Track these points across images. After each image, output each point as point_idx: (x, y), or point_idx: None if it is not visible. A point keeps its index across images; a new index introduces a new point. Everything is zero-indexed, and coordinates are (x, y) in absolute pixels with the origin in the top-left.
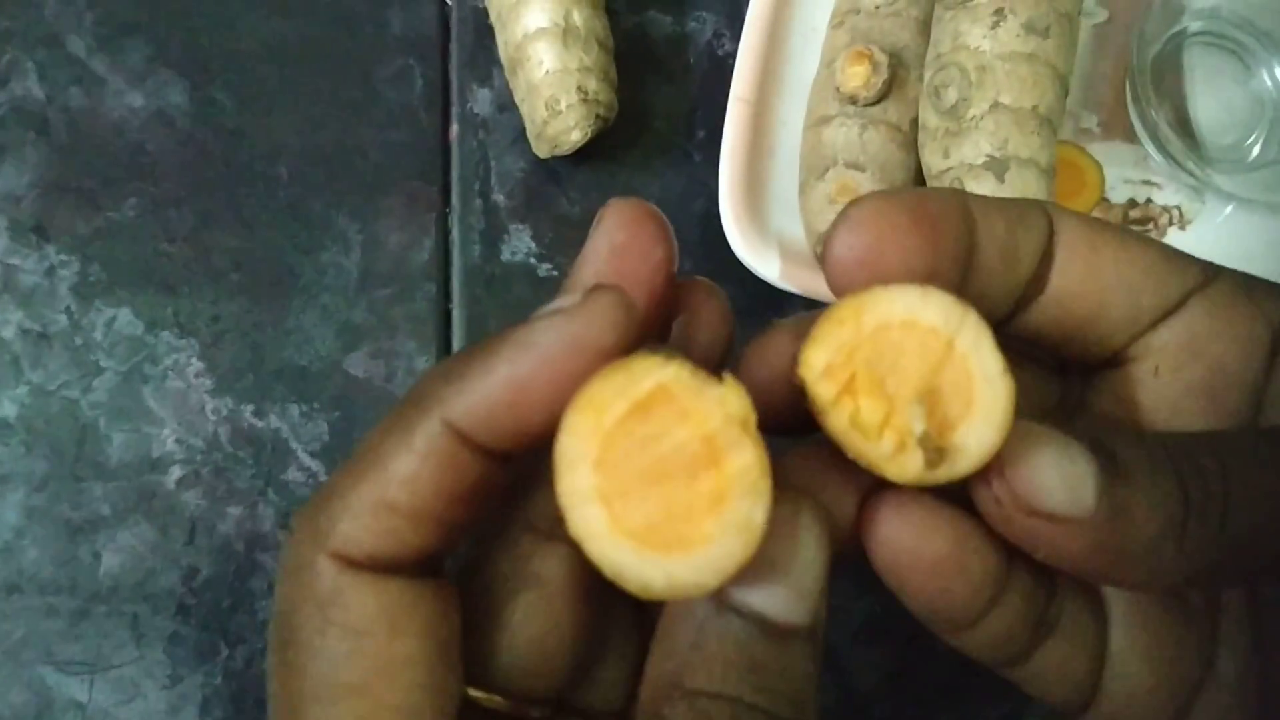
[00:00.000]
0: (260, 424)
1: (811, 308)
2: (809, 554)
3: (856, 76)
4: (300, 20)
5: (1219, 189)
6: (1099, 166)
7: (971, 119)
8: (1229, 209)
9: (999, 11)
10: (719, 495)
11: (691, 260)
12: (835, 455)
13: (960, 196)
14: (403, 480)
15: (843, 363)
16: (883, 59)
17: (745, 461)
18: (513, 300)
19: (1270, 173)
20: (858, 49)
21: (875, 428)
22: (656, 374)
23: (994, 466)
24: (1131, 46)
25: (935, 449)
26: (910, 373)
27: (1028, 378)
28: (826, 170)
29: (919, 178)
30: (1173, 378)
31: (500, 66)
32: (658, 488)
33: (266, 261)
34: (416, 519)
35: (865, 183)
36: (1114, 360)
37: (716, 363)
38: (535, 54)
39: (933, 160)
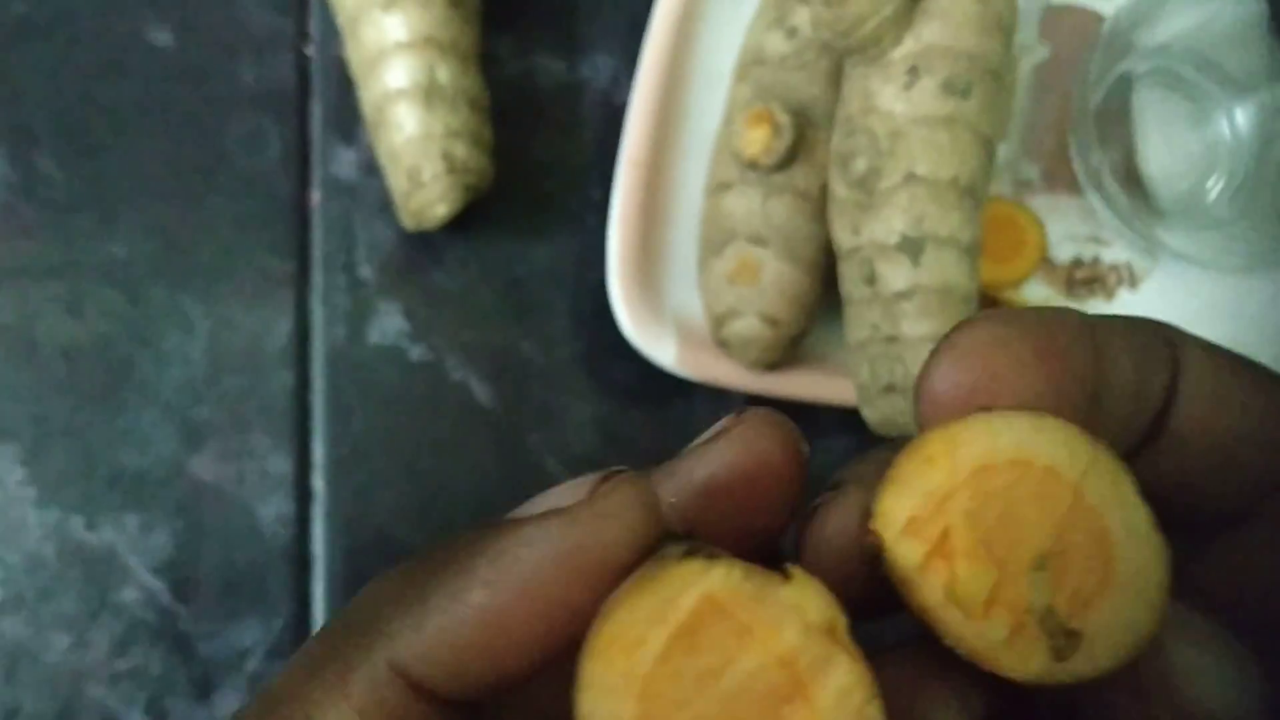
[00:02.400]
0: (92, 538)
1: (717, 396)
2: None
3: (755, 142)
4: (138, 77)
5: (1170, 249)
6: (1040, 224)
7: (883, 192)
8: (1185, 265)
9: (913, 70)
10: None
11: (585, 339)
12: (942, 659)
13: (1087, 323)
14: None
15: (932, 514)
16: (785, 120)
17: (842, 683)
18: (382, 388)
19: (1224, 233)
20: (756, 110)
21: (981, 602)
22: (698, 583)
23: (1147, 672)
24: (1074, 89)
25: (1064, 632)
26: (1025, 529)
27: None
28: (725, 245)
29: (829, 251)
30: None
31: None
32: None
33: (98, 352)
34: None
35: (768, 259)
36: (1234, 521)
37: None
38: (395, 117)
39: (841, 236)
